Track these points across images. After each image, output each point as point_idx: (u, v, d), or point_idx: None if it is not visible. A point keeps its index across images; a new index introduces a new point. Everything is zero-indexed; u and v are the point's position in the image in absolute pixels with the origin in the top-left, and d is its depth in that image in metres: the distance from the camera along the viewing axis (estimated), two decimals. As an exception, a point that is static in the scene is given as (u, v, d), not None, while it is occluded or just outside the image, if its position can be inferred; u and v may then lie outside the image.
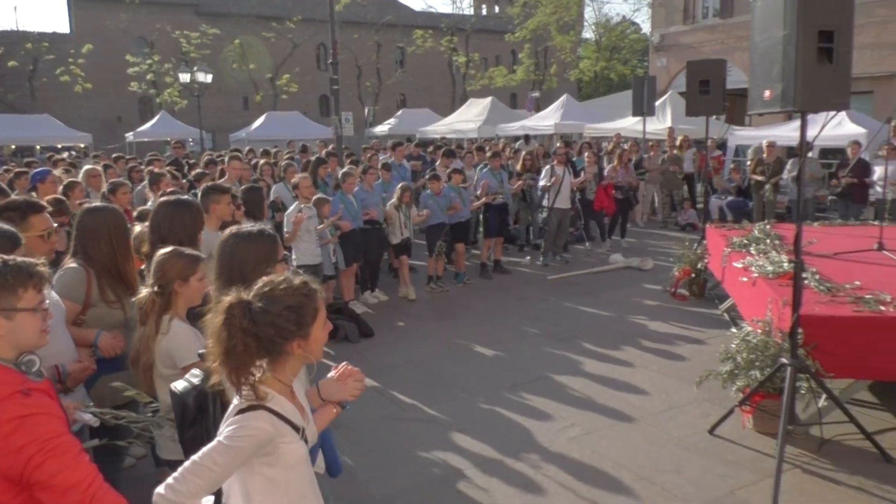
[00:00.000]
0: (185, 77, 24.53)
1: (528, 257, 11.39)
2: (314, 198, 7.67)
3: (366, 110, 33.09)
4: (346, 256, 8.29)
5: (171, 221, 3.65)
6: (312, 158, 10.39)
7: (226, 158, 10.00)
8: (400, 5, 46.55)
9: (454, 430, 5.14)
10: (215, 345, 1.98)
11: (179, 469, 1.94)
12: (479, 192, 10.18)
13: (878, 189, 10.75)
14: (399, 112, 30.97)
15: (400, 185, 9.17)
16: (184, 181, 8.62)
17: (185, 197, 4.15)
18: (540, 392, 5.80)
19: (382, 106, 38.49)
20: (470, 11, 46.32)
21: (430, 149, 15.08)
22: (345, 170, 8.98)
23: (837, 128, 13.50)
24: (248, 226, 2.67)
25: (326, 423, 2.44)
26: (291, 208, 7.38)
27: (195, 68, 23.98)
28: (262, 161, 10.83)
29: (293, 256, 7.36)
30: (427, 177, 9.91)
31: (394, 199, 9.03)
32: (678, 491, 4.15)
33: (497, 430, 5.13)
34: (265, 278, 2.09)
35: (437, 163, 11.53)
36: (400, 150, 11.87)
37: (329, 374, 2.47)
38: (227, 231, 2.69)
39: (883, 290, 4.97)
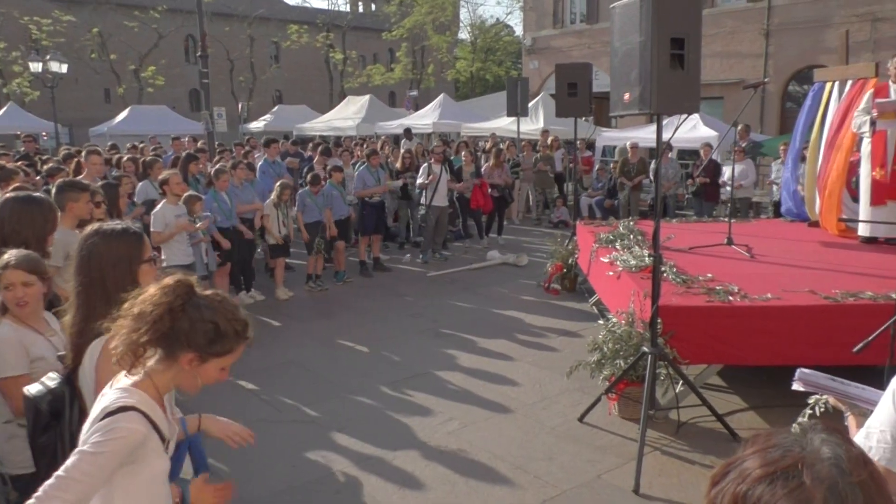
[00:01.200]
0: (35, 66, 22.68)
1: (408, 255, 11.45)
2: (185, 195, 7.34)
3: (239, 106, 32.02)
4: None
5: (17, 220, 3.36)
6: (182, 154, 9.94)
7: (83, 153, 9.33)
8: (273, -1, 45.36)
9: (333, 429, 5.09)
10: (137, 303, 1.86)
11: (41, 488, 1.76)
12: (354, 193, 10.17)
13: (728, 188, 11.64)
14: (275, 108, 30.18)
15: (279, 183, 8.98)
16: (37, 178, 7.99)
17: (37, 194, 3.84)
18: (420, 388, 5.85)
19: (257, 102, 37.40)
20: (346, 8, 45.84)
21: (310, 146, 14.74)
22: (217, 167, 8.64)
23: (692, 130, 14.53)
24: (112, 223, 2.50)
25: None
26: (159, 206, 7.02)
27: (48, 57, 22.24)
28: (126, 157, 10.23)
29: (163, 256, 7.02)
30: (308, 177, 9.71)
31: (272, 197, 8.82)
32: (550, 478, 4.32)
33: (376, 427, 5.13)
34: (221, 293, 1.98)
35: (315, 160, 11.36)
36: (274, 147, 11.56)
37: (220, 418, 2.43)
38: (89, 227, 2.52)
39: (732, 281, 5.40)
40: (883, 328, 3.71)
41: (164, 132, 20.38)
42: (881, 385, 3.73)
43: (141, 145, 14.26)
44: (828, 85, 7.45)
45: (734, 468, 0.97)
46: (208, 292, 1.97)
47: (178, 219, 6.97)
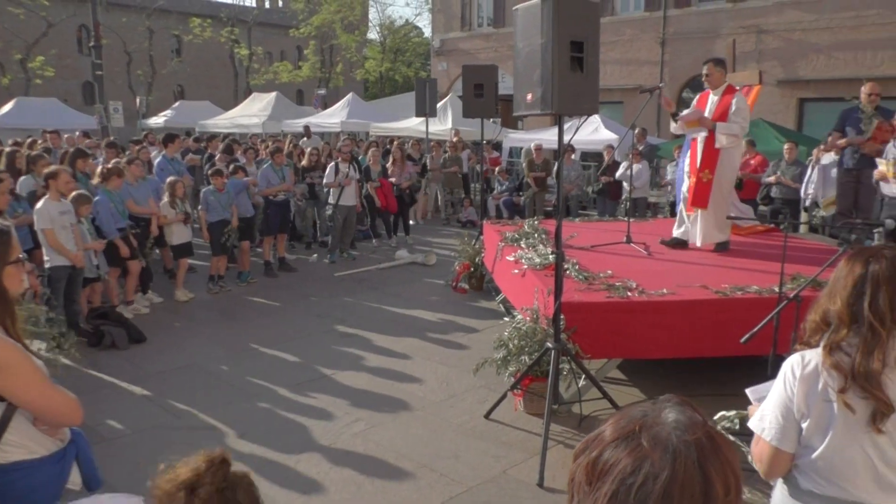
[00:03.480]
0: None
1: (315, 255, 11.27)
2: (74, 194, 6.93)
3: (137, 100, 30.59)
4: (112, 257, 7.58)
5: None
6: (71, 149, 9.38)
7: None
8: (174, -10, 43.58)
9: (233, 435, 4.92)
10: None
11: None
12: (258, 192, 9.92)
13: (626, 188, 12.07)
14: (176, 104, 29.08)
15: (168, 181, 8.60)
16: None
17: None
18: (325, 389, 5.75)
19: (157, 97, 35.82)
20: (252, 3, 44.71)
21: (203, 144, 14.15)
22: (109, 165, 8.19)
23: (594, 133, 15.02)
24: None
25: None
26: (42, 202, 6.59)
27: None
28: (7, 149, 9.54)
29: (46, 257, 6.61)
30: (209, 172, 9.38)
31: (165, 199, 8.45)
32: (456, 475, 4.33)
33: (279, 431, 5.00)
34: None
35: (216, 158, 10.98)
36: (177, 142, 11.03)
37: None
38: None
39: (630, 277, 5.60)
40: (766, 320, 3.92)
41: (54, 126, 19.23)
42: (765, 372, 3.94)
43: (29, 140, 13.34)
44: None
45: (591, 441, 1.02)
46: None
47: (62, 216, 6.59)
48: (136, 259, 7.81)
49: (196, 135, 19.02)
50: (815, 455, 2.01)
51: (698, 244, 6.92)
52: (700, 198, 6.74)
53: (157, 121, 26.30)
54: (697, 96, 6.99)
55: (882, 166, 6.77)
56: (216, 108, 27.55)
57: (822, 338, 2.05)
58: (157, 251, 9.36)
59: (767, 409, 2.08)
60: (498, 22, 23.80)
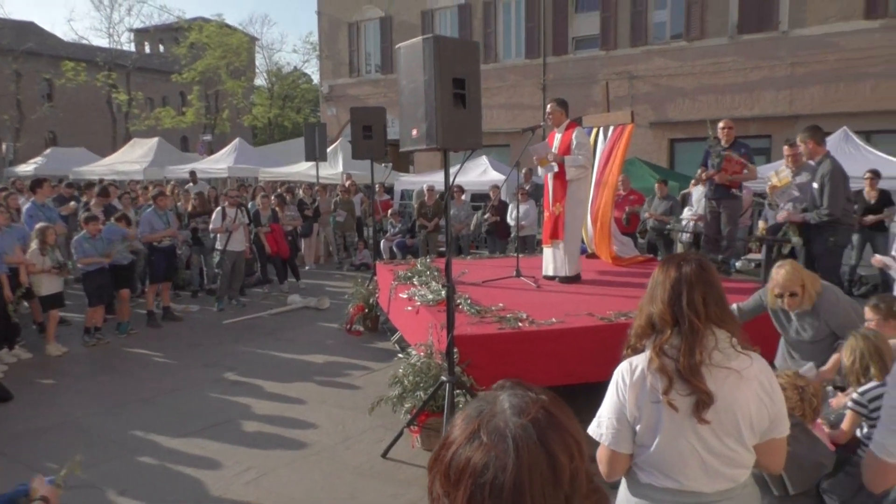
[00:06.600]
0: None
1: (196, 307, 10.82)
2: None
3: (4, 147, 28.70)
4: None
5: None
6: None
7: None
8: (44, 33, 41.46)
9: (114, 492, 4.58)
10: None
11: None
12: (141, 238, 9.48)
13: (512, 224, 12.46)
14: (48, 150, 27.47)
15: (37, 227, 8.09)
16: None
17: None
18: (213, 439, 5.48)
19: (27, 143, 33.69)
20: (130, 48, 43.27)
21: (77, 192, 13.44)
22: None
23: (483, 175, 15.44)
24: None
25: None
26: None
27: None
28: None
29: None
30: (82, 218, 8.88)
31: (33, 245, 7.92)
32: (354, 516, 4.22)
33: (165, 485, 4.71)
34: None
35: (92, 203, 10.42)
36: (46, 187, 10.35)
37: None
38: None
39: (520, 309, 5.72)
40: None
41: None
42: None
43: None
44: (594, 130, 8.27)
45: (440, 451, 1.04)
46: None
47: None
48: None
49: (69, 181, 18.04)
50: (649, 452, 2.16)
51: (551, 273, 7.26)
52: (555, 230, 7.14)
53: (26, 168, 24.72)
54: (546, 138, 7.41)
55: (772, 180, 7.11)
56: (92, 154, 26.27)
57: (649, 341, 2.21)
58: (27, 304, 8.73)
59: (603, 415, 2.22)
60: (386, 68, 24.18)
